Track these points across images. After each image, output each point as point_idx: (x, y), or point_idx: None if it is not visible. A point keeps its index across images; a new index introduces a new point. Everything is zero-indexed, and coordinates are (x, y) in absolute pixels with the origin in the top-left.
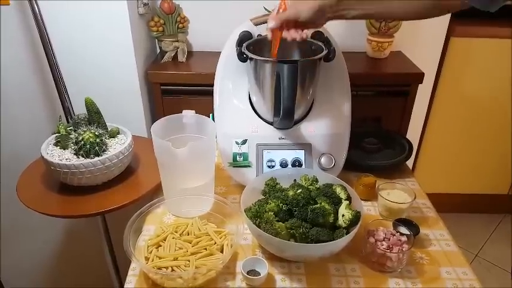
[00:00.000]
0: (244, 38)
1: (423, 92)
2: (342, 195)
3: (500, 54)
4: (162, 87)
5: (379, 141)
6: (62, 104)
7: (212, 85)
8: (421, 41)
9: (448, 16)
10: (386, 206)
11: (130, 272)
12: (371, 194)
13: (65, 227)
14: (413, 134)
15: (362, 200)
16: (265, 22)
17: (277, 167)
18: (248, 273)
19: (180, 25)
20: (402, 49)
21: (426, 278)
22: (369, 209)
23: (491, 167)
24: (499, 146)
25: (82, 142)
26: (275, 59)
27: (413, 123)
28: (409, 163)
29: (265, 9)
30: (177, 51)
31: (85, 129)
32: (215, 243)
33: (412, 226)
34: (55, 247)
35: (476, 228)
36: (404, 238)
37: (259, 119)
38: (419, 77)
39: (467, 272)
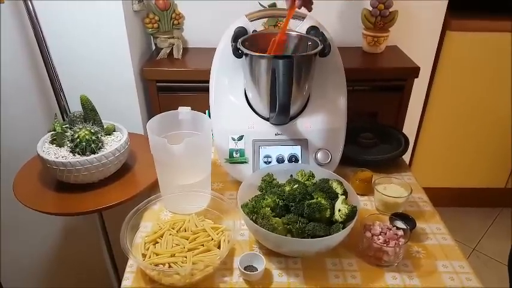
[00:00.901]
0: (240, 33)
1: (419, 87)
2: (339, 190)
3: (496, 48)
4: (157, 84)
5: (375, 136)
6: (57, 102)
7: (208, 81)
8: (417, 35)
9: (443, 10)
10: (382, 200)
11: (127, 269)
12: (367, 189)
13: (63, 224)
14: (409, 128)
15: (358, 194)
16: (261, 18)
17: (274, 162)
18: (245, 268)
19: (175, 21)
20: (398, 43)
21: (423, 272)
22: (366, 204)
23: (488, 161)
24: (495, 140)
25: (78, 140)
26: (270, 54)
27: (409, 118)
28: (406, 158)
29: (260, 4)
30: (172, 47)
31: (81, 127)
32: (212, 239)
33: (409, 220)
34: (53, 244)
35: (473, 222)
36: (400, 232)
37: (256, 115)
38: (415, 71)
39: (463, 265)
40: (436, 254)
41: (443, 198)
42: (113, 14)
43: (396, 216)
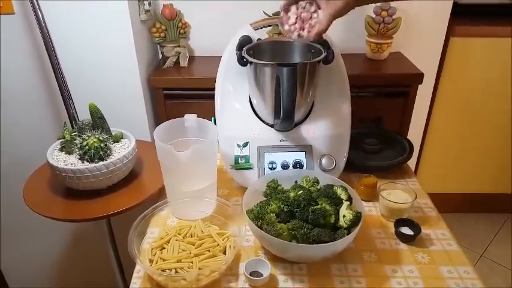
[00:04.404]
0: (244, 42)
1: (424, 93)
2: (343, 196)
3: (500, 53)
4: (164, 91)
5: (379, 141)
6: (66, 110)
7: (213, 89)
8: (421, 41)
9: (447, 16)
10: (387, 206)
11: (135, 274)
12: (372, 195)
13: (71, 230)
14: (415, 134)
15: (363, 200)
16: (265, 26)
17: (279, 168)
18: (251, 274)
19: (182, 30)
20: (402, 50)
21: (428, 277)
22: (370, 210)
23: (494, 166)
24: (501, 144)
25: (87, 147)
26: (274, 62)
27: (415, 124)
28: (412, 163)
29: (265, 13)
30: (178, 56)
31: (89, 135)
32: (218, 244)
33: (414, 226)
34: (61, 250)
35: (481, 228)
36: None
37: (260, 121)
38: (418, 77)
39: (469, 271)
40: (441, 259)
41: (451, 204)
42: (121, 24)
43: (401, 222)
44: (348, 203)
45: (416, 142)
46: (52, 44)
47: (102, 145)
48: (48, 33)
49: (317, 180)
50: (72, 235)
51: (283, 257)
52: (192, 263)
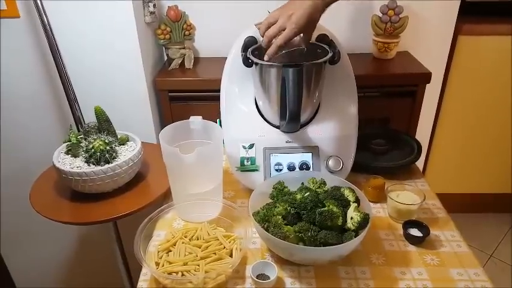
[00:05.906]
0: (249, 43)
1: (432, 92)
2: (351, 198)
3: (509, 51)
4: (169, 93)
5: (387, 142)
6: (72, 113)
7: (219, 90)
8: (428, 40)
9: (455, 14)
10: (395, 207)
11: (141, 277)
12: (380, 196)
13: (78, 232)
14: (423, 134)
15: (371, 202)
16: None
17: (285, 170)
18: (257, 277)
19: (187, 32)
20: (409, 49)
21: (437, 280)
22: (378, 211)
23: (503, 166)
24: (510, 144)
25: (92, 150)
26: (280, 63)
27: (423, 124)
28: (420, 164)
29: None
30: (184, 58)
31: (95, 138)
32: (224, 247)
33: (423, 227)
34: (68, 252)
35: (490, 228)
36: None
37: (266, 123)
38: (426, 76)
39: (479, 273)
40: (451, 261)
41: (460, 205)
42: (126, 26)
43: (410, 223)
44: (356, 204)
45: (424, 142)
46: (57, 47)
47: (108, 148)
48: (53, 36)
49: (324, 181)
50: (78, 238)
51: (290, 260)
52: (198, 265)
